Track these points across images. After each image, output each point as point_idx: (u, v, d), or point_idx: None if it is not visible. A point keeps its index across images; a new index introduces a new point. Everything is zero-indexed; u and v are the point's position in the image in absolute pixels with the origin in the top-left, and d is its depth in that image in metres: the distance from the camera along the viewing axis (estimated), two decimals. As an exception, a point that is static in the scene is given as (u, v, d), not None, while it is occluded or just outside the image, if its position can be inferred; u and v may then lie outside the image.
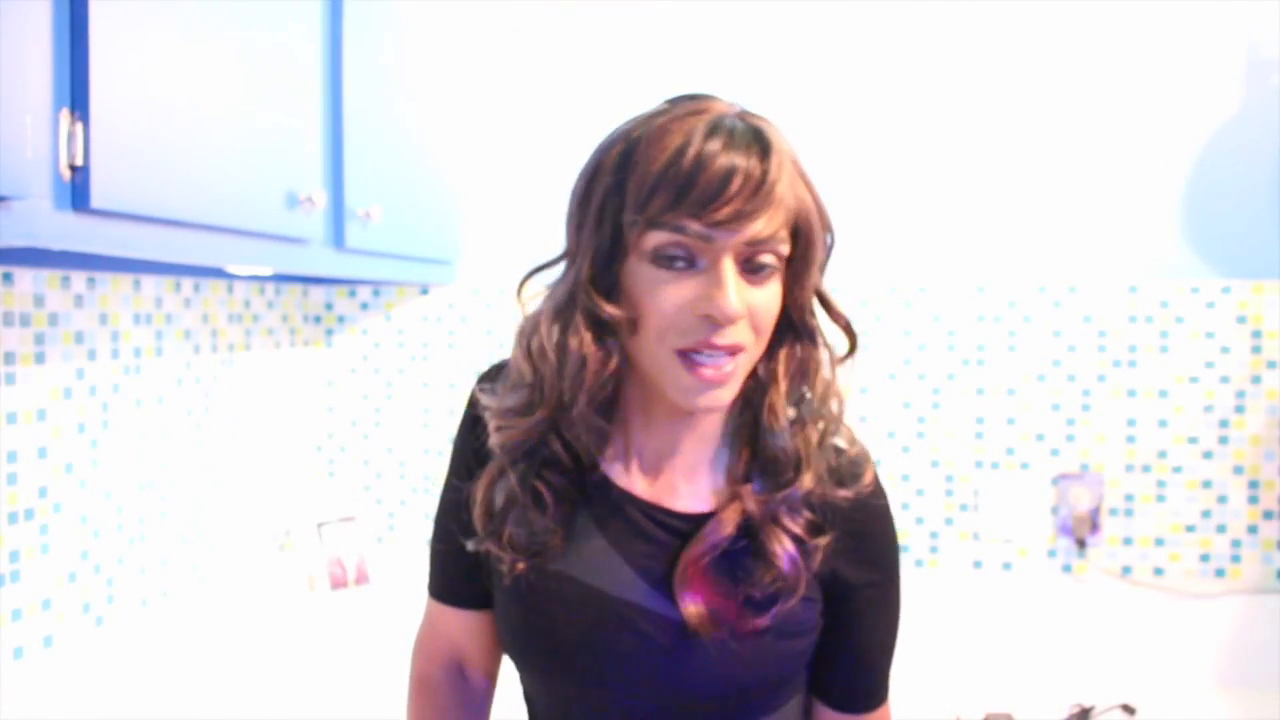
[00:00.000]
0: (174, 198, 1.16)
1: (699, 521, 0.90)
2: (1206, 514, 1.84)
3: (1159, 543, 1.86)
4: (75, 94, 1.00)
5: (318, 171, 1.49)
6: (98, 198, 1.02)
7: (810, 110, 1.91)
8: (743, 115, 0.88)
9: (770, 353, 0.88)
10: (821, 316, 0.91)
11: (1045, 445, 1.88)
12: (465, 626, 1.03)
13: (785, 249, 0.84)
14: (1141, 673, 1.80)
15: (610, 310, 0.85)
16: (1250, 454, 1.83)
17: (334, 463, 2.11)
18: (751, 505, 0.87)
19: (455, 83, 2.00)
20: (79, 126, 1.00)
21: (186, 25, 1.17)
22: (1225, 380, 1.83)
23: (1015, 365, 1.89)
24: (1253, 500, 1.83)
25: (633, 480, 0.92)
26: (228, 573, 1.83)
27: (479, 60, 2.04)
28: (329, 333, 2.11)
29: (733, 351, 0.83)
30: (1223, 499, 1.84)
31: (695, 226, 0.80)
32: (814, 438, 0.89)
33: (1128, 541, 1.86)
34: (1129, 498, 1.86)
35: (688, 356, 0.83)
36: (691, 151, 0.82)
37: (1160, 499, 1.85)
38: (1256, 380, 1.82)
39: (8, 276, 1.36)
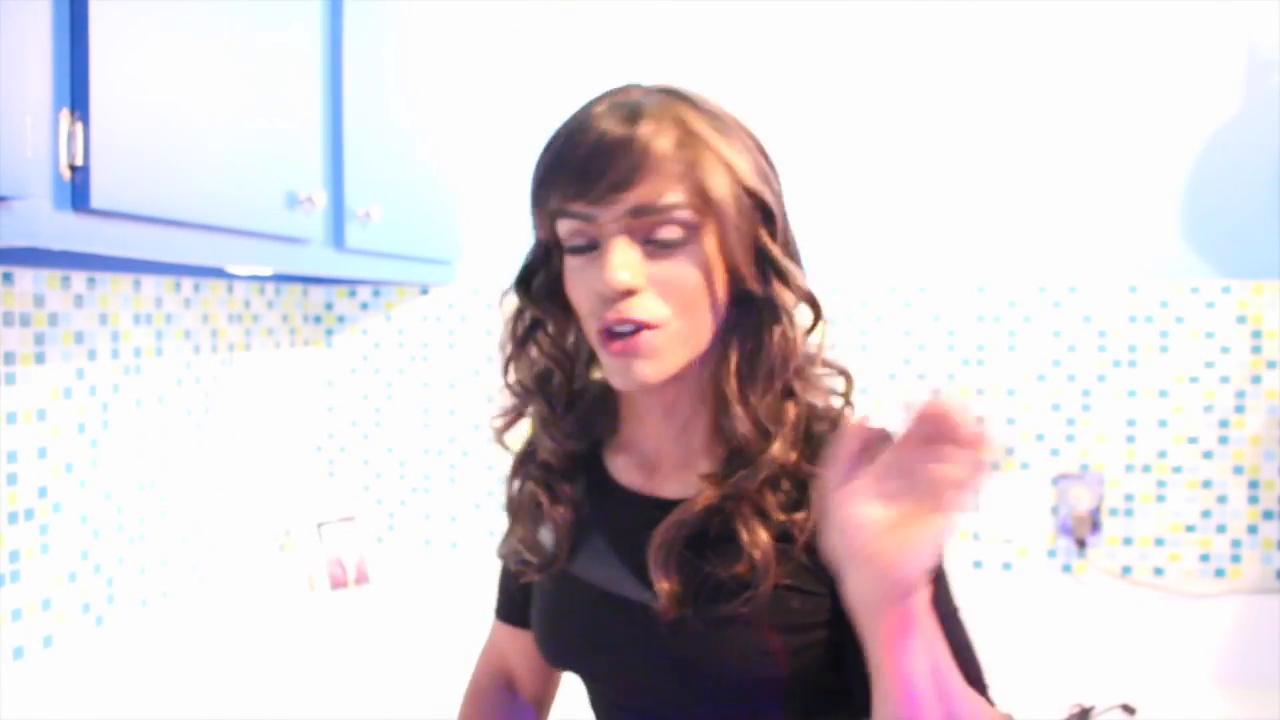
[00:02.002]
0: (174, 198, 1.16)
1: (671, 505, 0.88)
2: (1206, 514, 1.84)
3: (1159, 543, 1.86)
4: (75, 94, 1.00)
5: (318, 171, 1.49)
6: (98, 198, 1.02)
7: (810, 110, 1.91)
8: (643, 91, 0.87)
9: (725, 329, 0.85)
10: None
11: (1045, 445, 1.88)
12: (513, 644, 1.06)
13: (687, 216, 0.80)
14: (1141, 673, 1.80)
15: (535, 311, 0.89)
16: (1250, 454, 1.83)
17: (334, 463, 2.10)
18: (715, 486, 0.84)
19: (455, 83, 2.00)
20: (79, 126, 1.00)
21: (186, 25, 1.17)
22: (1225, 380, 1.83)
23: (1015, 365, 1.89)
24: (1253, 500, 1.83)
25: (632, 475, 0.92)
26: (228, 573, 1.83)
27: (479, 60, 2.04)
28: (329, 333, 2.11)
29: (641, 326, 0.81)
30: (1223, 499, 1.84)
31: (576, 207, 0.81)
32: (783, 409, 0.85)
33: (1128, 541, 1.86)
34: (1129, 498, 1.86)
35: (606, 334, 0.82)
36: (565, 133, 0.84)
37: (1160, 499, 1.85)
38: (1256, 380, 1.82)
39: (8, 276, 1.36)
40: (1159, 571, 1.86)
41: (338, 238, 1.56)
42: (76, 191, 1.01)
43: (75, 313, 1.48)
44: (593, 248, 0.82)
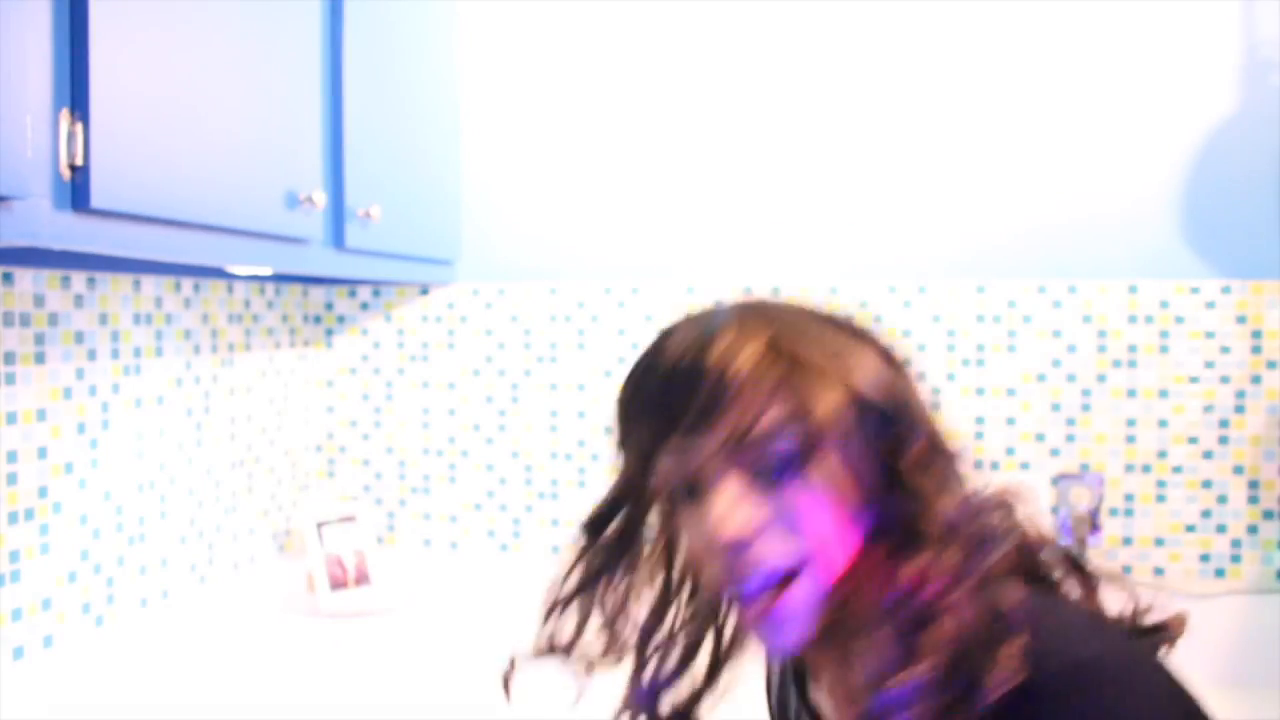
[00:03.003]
0: (174, 198, 1.16)
1: None
2: (1206, 514, 1.84)
3: (1159, 543, 1.86)
4: (75, 94, 1.00)
5: (318, 171, 1.50)
6: (98, 198, 1.02)
7: (809, 110, 1.91)
8: (717, 311, 0.76)
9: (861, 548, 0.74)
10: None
11: (1045, 445, 1.88)
12: None
13: (792, 444, 0.69)
14: (1141, 673, 1.80)
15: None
16: (1250, 454, 1.83)
17: (334, 463, 2.10)
18: None
19: (455, 82, 2.00)
20: (79, 126, 1.00)
21: (186, 25, 1.17)
22: (1225, 380, 1.83)
23: (1015, 365, 1.89)
24: (1253, 500, 1.83)
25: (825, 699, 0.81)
26: (228, 573, 1.84)
27: (479, 60, 2.04)
28: (329, 333, 2.11)
29: (772, 578, 0.70)
30: (1223, 499, 1.84)
31: (661, 450, 0.74)
32: (932, 647, 0.66)
33: (1128, 541, 1.86)
34: (1129, 498, 1.86)
35: (739, 599, 0.73)
36: (645, 367, 0.76)
37: (1160, 499, 1.85)
38: (1256, 380, 1.82)
39: (8, 276, 1.36)
40: (1159, 571, 1.86)
41: (338, 238, 1.56)
42: (76, 191, 1.01)
43: (75, 313, 1.48)
44: (690, 493, 0.72)
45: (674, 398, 0.70)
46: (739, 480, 0.69)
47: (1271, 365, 1.81)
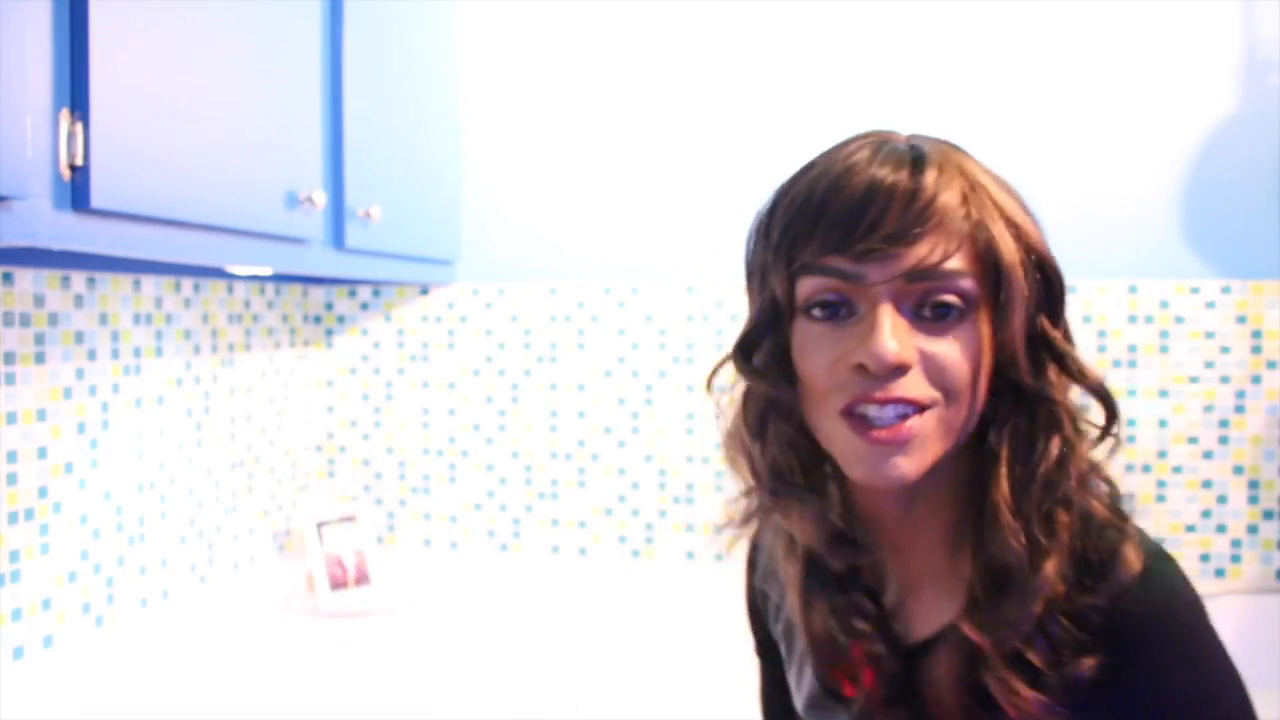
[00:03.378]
0: (174, 198, 1.16)
1: (921, 651, 0.75)
2: (1206, 514, 1.84)
3: (1159, 543, 1.85)
4: (75, 94, 1.00)
5: (318, 171, 1.50)
6: (98, 198, 1.02)
7: (809, 110, 1.91)
8: (912, 138, 0.75)
9: (988, 424, 0.72)
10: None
11: (1045, 445, 1.88)
12: None
13: (968, 285, 0.68)
14: (1141, 673, 1.80)
15: (768, 389, 0.74)
16: (1250, 454, 1.83)
17: (334, 463, 2.10)
18: (969, 636, 0.69)
19: (455, 82, 2.00)
20: (79, 126, 1.00)
21: (186, 25, 1.17)
22: (1225, 380, 1.83)
23: (1015, 365, 1.89)
24: (1253, 500, 1.83)
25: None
26: (228, 573, 1.84)
27: (479, 60, 2.04)
28: (329, 333, 2.11)
29: (909, 408, 0.68)
30: (1223, 499, 1.84)
31: (837, 262, 0.69)
32: (1057, 526, 0.70)
33: (1128, 541, 1.86)
34: (1129, 497, 1.86)
35: (854, 416, 0.69)
36: (827, 178, 0.71)
37: (1160, 499, 1.85)
38: (1256, 380, 1.82)
39: (8, 276, 1.36)
40: (1159, 571, 1.86)
41: (338, 238, 1.56)
42: (76, 191, 1.01)
43: (75, 313, 1.48)
44: (850, 313, 0.70)
45: (867, 215, 0.68)
46: (898, 310, 0.68)
47: (1271, 365, 1.82)
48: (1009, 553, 0.69)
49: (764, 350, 0.75)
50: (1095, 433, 0.74)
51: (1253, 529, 1.83)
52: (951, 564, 0.74)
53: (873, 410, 0.68)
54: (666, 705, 1.46)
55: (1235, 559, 1.84)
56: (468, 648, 1.60)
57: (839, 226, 0.68)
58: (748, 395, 0.78)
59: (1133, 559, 0.69)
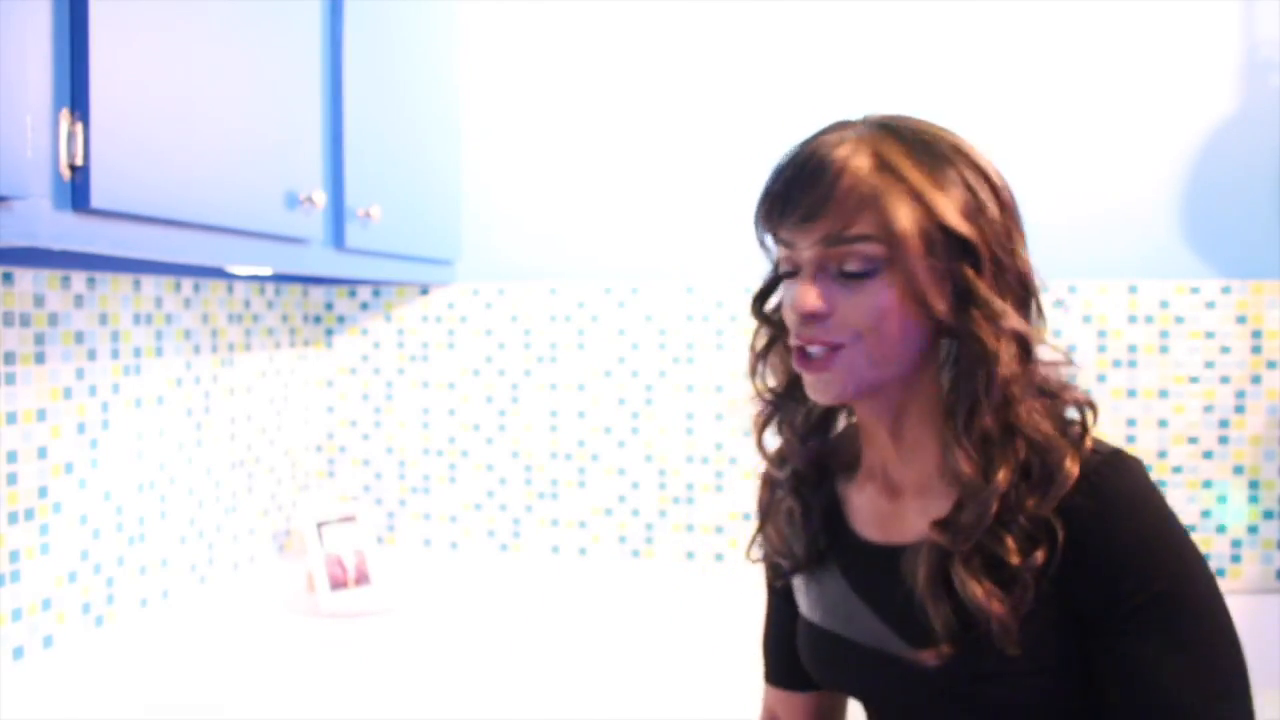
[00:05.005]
0: (174, 198, 1.16)
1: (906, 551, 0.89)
2: (1206, 514, 1.84)
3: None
4: (75, 94, 1.00)
5: (318, 171, 1.50)
6: (98, 198, 1.02)
7: (809, 110, 1.91)
8: (861, 121, 0.89)
9: (932, 362, 0.87)
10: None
11: (1045, 445, 1.88)
12: (787, 707, 1.08)
13: (871, 249, 0.82)
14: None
15: (768, 329, 0.95)
16: (1250, 454, 1.83)
17: (334, 463, 2.10)
18: (941, 533, 0.83)
19: (455, 82, 2.00)
20: (79, 126, 1.00)
21: (186, 25, 1.17)
22: (1225, 380, 1.83)
23: (1015, 365, 1.89)
24: (1253, 500, 1.83)
25: (870, 517, 0.94)
26: (228, 573, 1.84)
27: (479, 60, 2.04)
28: (329, 333, 2.11)
29: (827, 348, 0.85)
30: (1223, 499, 1.84)
31: (781, 233, 0.87)
32: (1008, 446, 0.83)
33: (1128, 541, 1.86)
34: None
35: (800, 351, 0.88)
36: (779, 162, 0.88)
37: (1160, 499, 1.85)
38: (1256, 380, 1.82)
39: (8, 276, 1.36)
40: (1159, 571, 1.86)
41: (338, 238, 1.56)
42: (76, 191, 1.01)
43: (75, 313, 1.48)
44: (797, 273, 0.87)
45: (794, 190, 0.85)
46: (824, 270, 0.85)
47: (1271, 365, 1.82)
48: (961, 469, 0.83)
49: (771, 299, 0.96)
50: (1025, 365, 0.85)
51: (1253, 529, 1.83)
52: (940, 478, 0.88)
53: (809, 348, 0.87)
54: (666, 705, 1.47)
55: (1235, 559, 1.84)
56: (468, 648, 1.60)
57: (774, 206, 0.87)
58: (756, 331, 0.98)
59: (1070, 468, 0.81)
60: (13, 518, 1.36)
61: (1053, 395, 0.86)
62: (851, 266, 0.83)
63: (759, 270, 0.96)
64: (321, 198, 1.44)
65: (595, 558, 2.01)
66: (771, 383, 0.97)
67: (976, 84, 1.88)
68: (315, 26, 1.49)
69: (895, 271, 0.83)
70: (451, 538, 2.07)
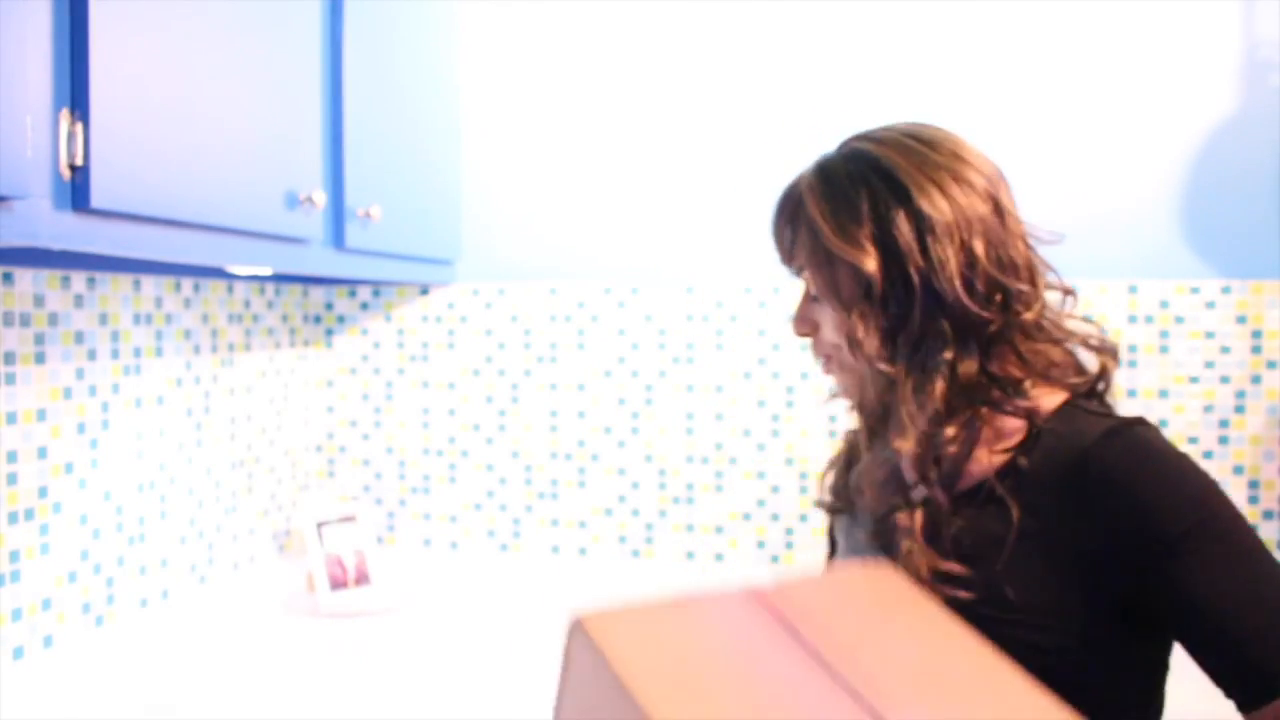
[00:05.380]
0: (174, 198, 1.16)
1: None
2: (1206, 514, 1.84)
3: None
4: (75, 94, 1.00)
5: (318, 171, 1.50)
6: (98, 198, 1.02)
7: (808, 110, 1.91)
8: (837, 148, 0.99)
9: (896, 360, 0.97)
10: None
11: (1045, 445, 1.88)
12: None
13: (809, 276, 0.95)
14: (1141, 673, 1.80)
15: None
16: (1250, 454, 1.83)
17: (334, 463, 2.10)
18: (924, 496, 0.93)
19: (455, 82, 2.00)
20: (79, 126, 1.00)
21: (186, 25, 1.17)
22: (1225, 380, 1.83)
23: (1015, 365, 1.89)
24: (1253, 500, 1.83)
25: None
26: (228, 573, 1.84)
27: (479, 60, 2.04)
28: (329, 333, 2.11)
29: (824, 358, 0.99)
30: (1223, 499, 1.84)
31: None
32: (975, 423, 0.91)
33: (1128, 541, 1.86)
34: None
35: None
36: None
37: (1160, 499, 1.85)
38: (1256, 380, 1.82)
39: (8, 276, 1.36)
40: (1159, 571, 1.86)
41: (338, 238, 1.56)
42: (76, 191, 1.01)
43: (75, 313, 1.48)
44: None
45: (780, 218, 0.97)
46: (809, 293, 0.97)
47: (1271, 365, 1.81)
48: (939, 443, 0.90)
49: None
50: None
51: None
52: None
53: (817, 358, 1.01)
54: (666, 705, 1.46)
55: (1235, 559, 1.84)
56: (468, 648, 1.60)
57: (779, 228, 0.99)
58: None
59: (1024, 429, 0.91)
60: (13, 518, 1.36)
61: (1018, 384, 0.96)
62: (812, 292, 0.96)
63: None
64: (321, 198, 1.44)
65: (595, 558, 2.01)
66: None
67: (977, 84, 1.88)
68: (315, 26, 1.49)
69: (850, 298, 0.93)
70: (451, 538, 2.07)
